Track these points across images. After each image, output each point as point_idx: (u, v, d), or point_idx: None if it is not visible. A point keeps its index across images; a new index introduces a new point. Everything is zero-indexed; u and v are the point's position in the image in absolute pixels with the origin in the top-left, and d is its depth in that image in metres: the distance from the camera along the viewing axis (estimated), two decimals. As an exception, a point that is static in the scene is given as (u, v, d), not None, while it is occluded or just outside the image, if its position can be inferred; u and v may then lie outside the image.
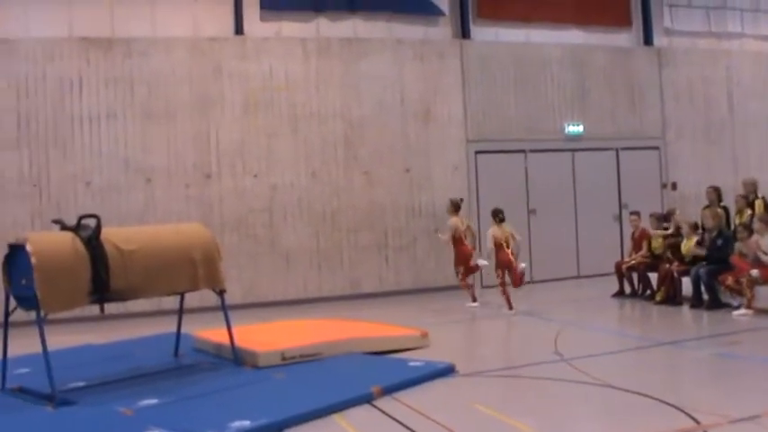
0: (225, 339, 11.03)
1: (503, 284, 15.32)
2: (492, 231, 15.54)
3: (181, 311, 11.56)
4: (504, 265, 15.31)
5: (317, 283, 17.96)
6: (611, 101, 20.56)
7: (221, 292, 10.84)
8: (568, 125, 20.05)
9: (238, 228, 17.51)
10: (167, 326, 12.79)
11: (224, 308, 10.88)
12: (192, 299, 12.43)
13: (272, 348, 10.88)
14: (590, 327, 13.45)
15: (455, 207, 16.39)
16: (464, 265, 16.20)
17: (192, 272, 10.40)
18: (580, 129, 20.15)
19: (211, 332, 12.09)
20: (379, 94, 18.60)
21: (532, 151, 19.66)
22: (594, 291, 17.24)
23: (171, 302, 13.31)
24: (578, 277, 19.69)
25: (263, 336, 11.95)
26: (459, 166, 19.06)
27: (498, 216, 15.68)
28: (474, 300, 16.35)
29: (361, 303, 17.18)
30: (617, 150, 20.48)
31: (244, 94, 17.67)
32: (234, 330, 10.95)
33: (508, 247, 15.41)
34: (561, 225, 19.76)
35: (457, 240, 16.18)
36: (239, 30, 17.94)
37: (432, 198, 18.78)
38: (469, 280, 16.51)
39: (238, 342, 10.93)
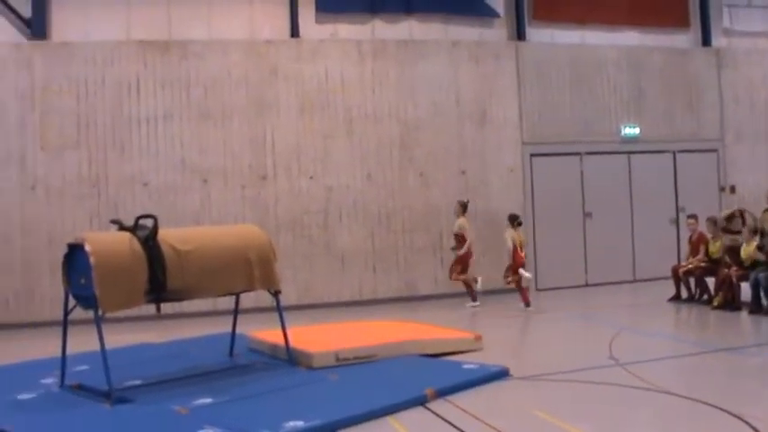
0: (280, 340, 11.05)
1: (518, 283, 16.10)
2: (511, 234, 16.27)
3: (236, 312, 11.59)
4: (519, 266, 16.09)
5: (371, 285, 17.95)
6: (667, 103, 20.32)
7: (276, 293, 10.87)
8: (624, 127, 19.86)
9: (293, 229, 17.57)
10: (222, 326, 12.86)
11: (279, 309, 10.91)
12: (247, 299, 12.50)
13: (327, 349, 10.89)
14: (646, 331, 13.28)
15: (463, 208, 16.94)
16: (462, 263, 16.73)
17: (247, 272, 10.42)
18: (636, 131, 19.95)
19: (266, 333, 12.11)
20: (434, 96, 18.56)
21: (588, 153, 19.50)
22: (651, 295, 17.04)
23: (226, 303, 13.38)
24: (634, 281, 19.48)
25: (318, 337, 11.95)
26: (514, 168, 18.97)
27: (516, 221, 16.46)
28: (474, 299, 16.79)
29: (415, 305, 17.17)
30: (674, 153, 20.24)
31: (299, 96, 17.74)
32: (288, 331, 10.96)
33: (522, 250, 16.30)
34: (617, 228, 19.57)
35: (462, 240, 16.74)
36: (295, 32, 18.01)
37: (487, 200, 18.70)
38: (473, 278, 16.93)
39: (293, 343, 10.95)
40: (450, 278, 16.96)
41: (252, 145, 17.42)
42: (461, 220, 16.84)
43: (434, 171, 18.44)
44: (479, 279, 16.89)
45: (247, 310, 14.23)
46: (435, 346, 11.63)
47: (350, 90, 18.05)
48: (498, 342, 12.30)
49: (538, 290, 18.76)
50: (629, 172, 19.85)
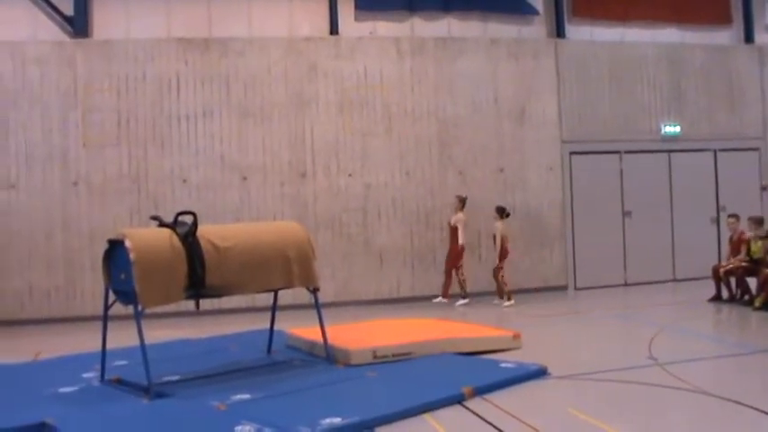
0: (318, 337, 11.07)
1: (503, 277, 17.03)
2: (500, 226, 17.02)
3: (274, 308, 11.64)
4: (506, 257, 17.02)
5: (409, 283, 17.95)
6: (708, 101, 20.15)
7: (315, 291, 10.88)
8: (665, 125, 19.72)
9: (332, 226, 17.61)
10: (261, 322, 12.92)
11: (317, 306, 10.93)
12: (285, 296, 12.52)
13: (365, 347, 10.91)
14: (686, 331, 13.17)
15: (462, 203, 17.27)
16: (460, 259, 17.14)
17: (286, 269, 10.44)
18: (677, 129, 19.80)
19: (304, 330, 12.15)
20: (473, 94, 18.53)
21: (628, 152, 19.39)
22: (691, 295, 16.93)
23: (264, 299, 13.44)
24: (674, 280, 19.36)
25: (356, 334, 11.96)
26: (553, 166, 18.91)
27: (504, 212, 17.15)
28: (465, 296, 17.12)
29: (454, 303, 17.12)
30: (715, 151, 20.07)
31: (338, 94, 17.77)
32: (327, 328, 10.99)
33: (508, 243, 17.15)
34: (657, 227, 19.46)
35: (456, 235, 17.20)
36: (334, 29, 18.04)
37: (526, 198, 18.67)
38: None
39: (331, 340, 10.97)
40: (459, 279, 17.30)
41: (291, 142, 17.47)
42: (460, 215, 17.16)
43: (473, 169, 18.41)
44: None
45: (285, 307, 14.31)
46: (473, 344, 11.61)
47: (388, 87, 18.05)
48: (536, 341, 12.25)
49: (576, 289, 18.76)
50: (670, 170, 19.71)
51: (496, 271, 17.06)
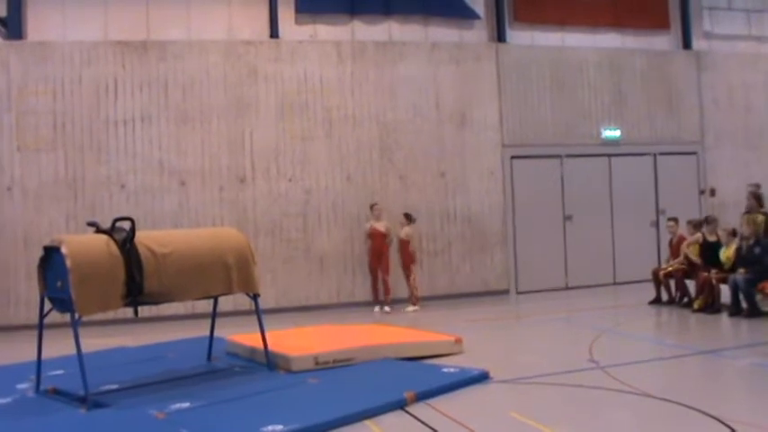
0: (258, 343, 11.04)
1: (414, 278, 17.45)
2: (406, 231, 17.39)
3: (214, 315, 11.58)
4: (411, 262, 17.43)
5: (350, 288, 17.94)
6: (648, 105, 20.40)
7: (255, 296, 10.84)
8: (605, 130, 19.93)
9: (272, 232, 17.55)
10: (200, 329, 12.85)
11: (258, 312, 10.89)
12: (225, 303, 12.48)
13: (306, 353, 10.88)
14: (626, 334, 13.33)
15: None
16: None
17: (226, 276, 10.39)
18: (617, 133, 20.03)
19: (245, 336, 12.10)
20: (414, 98, 18.57)
21: (569, 156, 19.56)
22: (631, 298, 17.10)
23: (204, 306, 13.37)
24: (615, 284, 19.56)
25: (297, 340, 11.94)
26: (494, 170, 18.99)
27: (412, 218, 17.50)
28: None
29: (394, 308, 17.15)
30: (654, 155, 20.31)
31: (278, 98, 17.70)
32: (267, 334, 10.96)
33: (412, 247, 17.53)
34: (597, 231, 19.65)
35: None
36: (274, 33, 17.98)
37: (467, 202, 18.74)
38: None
39: (272, 346, 10.94)
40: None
41: (230, 147, 17.37)
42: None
43: (414, 173, 18.45)
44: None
45: (226, 314, 14.27)
46: (415, 349, 11.64)
47: (329, 91, 18.03)
48: (478, 345, 12.28)
49: (518, 293, 18.86)
50: (610, 175, 19.92)
51: (408, 276, 17.37)
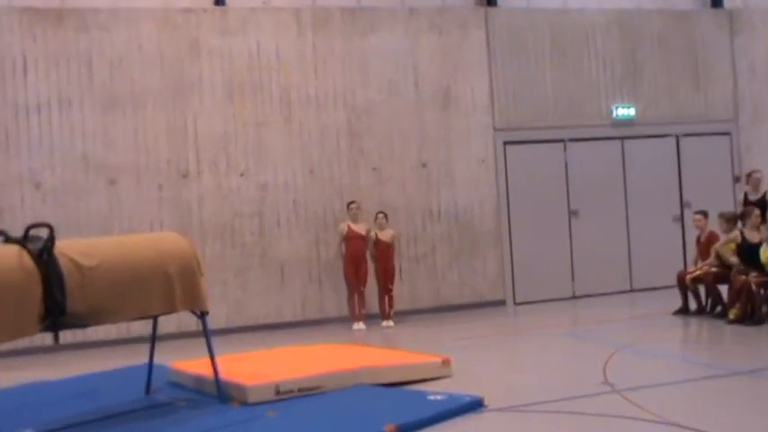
0: (207, 371, 10.95)
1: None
2: (393, 233, 17.90)
3: (153, 338, 11.48)
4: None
5: (317, 302, 17.95)
6: (669, 77, 20.44)
7: (203, 315, 10.77)
8: (617, 108, 19.98)
9: (222, 236, 17.50)
10: (137, 356, 12.74)
11: (206, 333, 10.80)
12: (166, 323, 12.39)
13: (264, 381, 10.82)
14: (647, 351, 13.29)
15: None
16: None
17: (166, 290, 10.30)
18: (631, 112, 20.08)
19: (191, 363, 12.04)
20: (388, 75, 18.58)
21: (573, 140, 19.61)
22: (652, 307, 17.15)
23: (141, 328, 13.28)
24: (631, 291, 19.66)
25: (254, 366, 11.91)
26: (485, 159, 19.04)
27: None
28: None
29: (370, 325, 17.19)
30: (677, 137, 20.37)
31: (226, 77, 17.67)
32: (218, 360, 10.88)
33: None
34: (609, 229, 19.71)
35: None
36: (220, -1, 17.97)
37: (453, 197, 18.79)
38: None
39: (223, 374, 10.86)
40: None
41: (170, 136, 17.32)
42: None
43: (390, 164, 18.48)
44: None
45: (167, 337, 14.32)
46: (395, 373, 11.60)
47: (287, 69, 18.01)
48: (470, 367, 12.26)
49: (516, 304, 18.91)
50: (623, 161, 19.98)
51: (390, 288, 17.65)
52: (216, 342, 11.03)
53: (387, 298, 17.52)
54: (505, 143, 19.18)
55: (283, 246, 17.84)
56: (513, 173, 19.22)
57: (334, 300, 17.91)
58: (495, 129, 19.15)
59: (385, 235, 17.55)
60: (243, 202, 17.68)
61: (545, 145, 19.45)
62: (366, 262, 17.51)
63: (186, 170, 17.38)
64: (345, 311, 17.67)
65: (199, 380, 11.45)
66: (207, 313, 10.85)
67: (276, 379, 10.86)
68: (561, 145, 19.56)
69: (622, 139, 20.00)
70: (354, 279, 17.42)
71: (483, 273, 18.93)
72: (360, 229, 17.46)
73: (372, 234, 17.54)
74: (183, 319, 12.77)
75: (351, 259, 17.42)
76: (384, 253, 17.54)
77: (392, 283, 17.62)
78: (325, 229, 17.95)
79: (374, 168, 18.37)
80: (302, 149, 18.02)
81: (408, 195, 18.47)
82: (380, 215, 17.59)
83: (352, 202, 17.60)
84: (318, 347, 13.84)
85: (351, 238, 17.41)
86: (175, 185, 17.31)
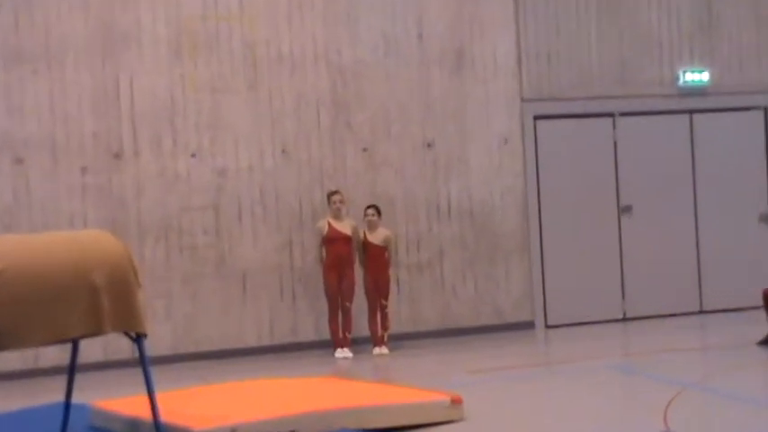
0: (143, 411, 10.81)
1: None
2: (389, 233, 17.96)
3: (72, 369, 11.35)
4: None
5: (289, 322, 17.97)
6: (755, 32, 20.43)
7: (139, 338, 10.62)
8: (685, 72, 19.97)
9: (167, 236, 17.49)
10: (50, 392, 12.68)
11: (143, 361, 10.66)
12: (90, 349, 12.31)
13: (218, 424, 10.74)
14: (721, 392, 13.28)
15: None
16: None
17: (91, 306, 10.16)
18: (704, 77, 20.07)
19: (121, 401, 12.00)
20: (384, 27, 18.57)
21: (626, 114, 19.65)
22: (728, 334, 17.25)
23: (56, 355, 13.19)
24: (701, 312, 19.68)
25: (205, 405, 11.87)
26: (509, 138, 19.07)
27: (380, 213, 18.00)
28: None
29: (358, 352, 17.23)
30: (765, 110, 20.37)
31: (172, 27, 17.64)
32: (158, 397, 10.72)
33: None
34: (672, 230, 19.72)
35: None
36: None
37: (467, 188, 18.82)
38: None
39: (165, 415, 10.72)
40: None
41: (97, 103, 17.27)
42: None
43: (385, 144, 18.51)
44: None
45: (91, 367, 14.37)
46: (389, 415, 11.54)
47: (253, 18, 18.00)
48: (487, 409, 12.28)
49: (548, 326, 18.99)
50: (692, 141, 20.01)
51: (384, 304, 17.67)
52: (157, 373, 10.94)
53: (379, 317, 17.48)
54: (536, 118, 19.23)
55: (246, 249, 17.84)
56: (546, 157, 19.25)
57: (312, 319, 17.94)
58: (522, 99, 19.16)
59: (377, 236, 17.46)
60: (194, 192, 17.66)
61: (588, 120, 19.51)
62: (353, 271, 17.44)
63: (119, 148, 17.34)
64: (326, 335, 17.67)
65: (132, 424, 11.37)
66: (145, 336, 10.66)
67: (233, 421, 10.78)
68: (610, 121, 19.60)
69: (691, 112, 20.03)
70: (337, 293, 17.34)
71: (505, 286, 18.94)
72: (344, 227, 17.33)
73: (361, 235, 17.48)
74: (112, 344, 12.71)
75: (333, 267, 17.29)
76: (376, 259, 17.45)
77: (386, 299, 17.55)
78: (300, 228, 17.96)
79: (365, 149, 18.38)
80: (272, 123, 18.02)
81: (409, 185, 18.48)
82: (371, 210, 17.52)
83: (334, 193, 17.49)
84: (290, 381, 13.80)
85: (332, 240, 17.28)
86: (104, 168, 17.26)
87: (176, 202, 17.54)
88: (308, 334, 17.91)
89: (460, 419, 11.67)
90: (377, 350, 17.22)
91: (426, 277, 18.51)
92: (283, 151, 18.01)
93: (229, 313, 17.71)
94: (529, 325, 18.93)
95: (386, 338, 17.37)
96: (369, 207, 17.52)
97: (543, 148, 19.22)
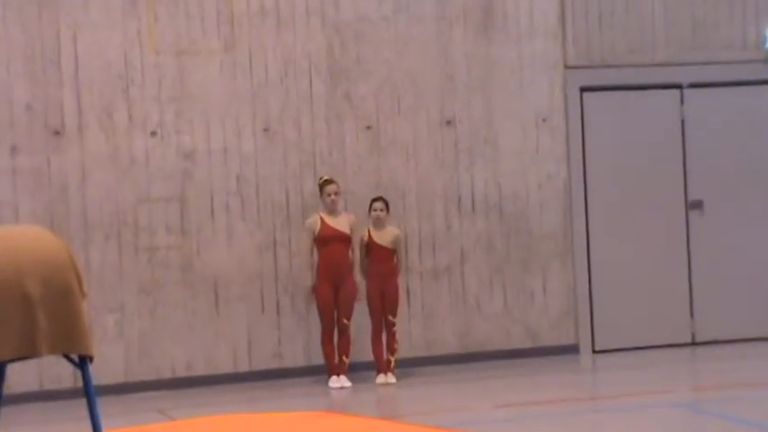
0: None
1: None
2: (398, 231, 18.00)
3: (-1, 399, 11.32)
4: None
5: (273, 342, 17.95)
6: None
7: (83, 361, 10.52)
8: (772, 32, 19.96)
9: (119, 234, 17.50)
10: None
11: (88, 391, 10.56)
12: (21, 375, 12.22)
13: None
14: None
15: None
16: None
17: (23, 321, 10.08)
18: (796, 39, 20.02)
19: None
20: (393, -25, 18.54)
21: (695, 86, 19.61)
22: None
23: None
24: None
25: None
26: (548, 115, 19.11)
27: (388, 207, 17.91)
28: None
29: (358, 381, 17.15)
30: None
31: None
32: (108, 438, 10.68)
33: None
34: (755, 233, 19.67)
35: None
36: None
37: (495, 177, 18.85)
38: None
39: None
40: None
41: (30, 66, 17.31)
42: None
43: (394, 120, 18.53)
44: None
45: (21, 398, 14.33)
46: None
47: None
48: None
49: (595, 352, 18.97)
50: (782, 120, 19.92)
51: (392, 320, 17.53)
52: (105, 406, 10.83)
53: (385, 338, 17.37)
54: (583, 90, 19.23)
55: (219, 251, 17.87)
56: (596, 138, 19.25)
57: (301, 340, 17.99)
58: (566, 66, 19.19)
59: (384, 236, 17.33)
60: (154, 179, 17.66)
61: (650, 93, 19.51)
62: (352, 279, 17.30)
63: (59, 124, 17.34)
64: (318, 359, 17.71)
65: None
66: (91, 359, 10.62)
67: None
68: (677, 93, 19.60)
69: (781, 84, 20.05)
70: (332, 307, 17.20)
71: (542, 300, 18.95)
72: (341, 224, 17.16)
73: (364, 234, 17.34)
74: (49, 369, 12.60)
75: (327, 275, 17.16)
76: (382, 265, 17.31)
77: (394, 315, 17.39)
78: (287, 226, 18.01)
79: (368, 127, 18.40)
80: (253, 95, 18.06)
81: (423, 172, 18.50)
82: (378, 204, 17.33)
83: (327, 182, 17.37)
84: (273, 417, 13.92)
85: (326, 241, 17.16)
86: (41, 148, 17.29)
87: (131, 192, 17.54)
88: (295, 358, 17.95)
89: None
90: (381, 378, 17.13)
91: (444, 288, 18.48)
92: (266, 130, 18.03)
93: (197, 331, 17.73)
94: (571, 349, 18.96)
95: (393, 364, 17.27)
96: (375, 200, 17.36)
97: (591, 128, 19.23)
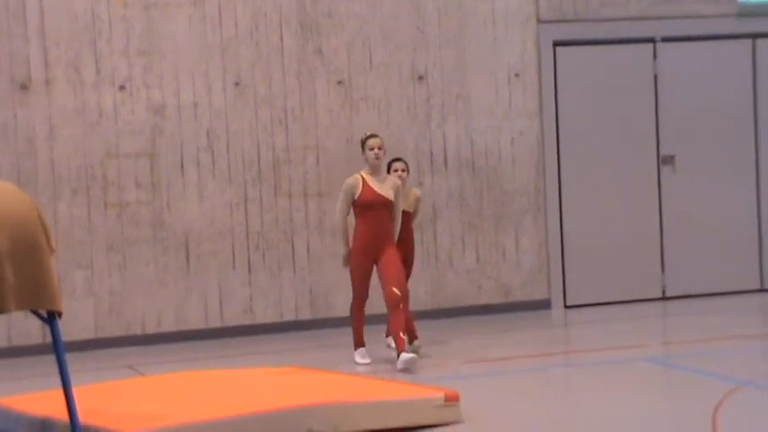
0: (57, 409, 10.82)
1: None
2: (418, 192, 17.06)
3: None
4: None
5: (244, 299, 18.07)
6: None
7: (52, 317, 10.60)
8: (745, -14, 20.02)
9: (88, 190, 17.49)
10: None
11: (57, 348, 10.63)
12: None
13: (151, 426, 10.70)
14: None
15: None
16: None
17: (-9, 277, 10.20)
18: (770, -9, 20.12)
19: (29, 397, 12.08)
20: None
21: (668, 40, 19.69)
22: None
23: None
24: (761, 291, 19.79)
25: (134, 401, 11.88)
26: (521, 70, 19.17)
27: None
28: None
29: (330, 336, 17.31)
30: None
31: None
32: (77, 391, 10.71)
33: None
34: (727, 188, 19.78)
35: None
36: None
37: (468, 133, 18.91)
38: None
39: (84, 415, 10.72)
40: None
41: (-5, 17, 17.36)
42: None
43: (365, 74, 18.59)
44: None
45: None
46: (366, 415, 11.54)
47: None
48: (492, 408, 12.34)
49: (567, 306, 19.09)
50: (754, 75, 20.06)
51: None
52: (75, 362, 10.94)
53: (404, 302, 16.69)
54: (556, 44, 19.32)
55: (190, 207, 17.93)
56: (568, 93, 19.33)
57: (273, 296, 18.07)
58: (539, 21, 19.23)
59: (407, 199, 16.31)
60: (123, 134, 17.68)
61: (623, 47, 19.58)
62: (393, 248, 15.76)
63: (25, 77, 17.35)
64: (289, 315, 17.94)
65: (43, 426, 11.35)
66: (59, 315, 10.66)
67: (170, 422, 10.77)
68: (650, 47, 19.67)
69: (754, 37, 20.07)
70: (367, 276, 15.74)
71: (515, 256, 19.07)
72: (384, 188, 15.63)
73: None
74: (18, 325, 12.65)
75: (368, 246, 15.63)
76: (404, 231, 16.29)
77: (406, 281, 16.11)
78: (258, 181, 18.02)
79: (339, 81, 18.44)
80: (222, 48, 18.06)
81: (395, 127, 18.57)
82: (400, 164, 16.19)
83: (371, 136, 15.95)
84: (243, 372, 13.87)
85: (369, 206, 15.58)
86: (6, 103, 17.29)
87: (100, 147, 17.55)
88: (266, 314, 18.05)
89: (456, 421, 11.71)
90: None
91: (416, 244, 18.34)
92: (237, 84, 18.06)
93: (168, 287, 17.81)
94: (543, 304, 19.13)
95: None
96: (395, 160, 16.33)
97: (564, 83, 19.32)
